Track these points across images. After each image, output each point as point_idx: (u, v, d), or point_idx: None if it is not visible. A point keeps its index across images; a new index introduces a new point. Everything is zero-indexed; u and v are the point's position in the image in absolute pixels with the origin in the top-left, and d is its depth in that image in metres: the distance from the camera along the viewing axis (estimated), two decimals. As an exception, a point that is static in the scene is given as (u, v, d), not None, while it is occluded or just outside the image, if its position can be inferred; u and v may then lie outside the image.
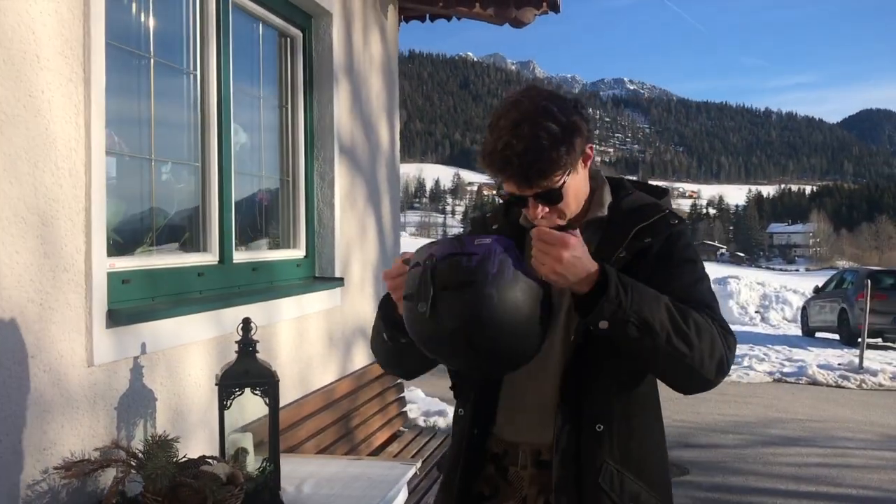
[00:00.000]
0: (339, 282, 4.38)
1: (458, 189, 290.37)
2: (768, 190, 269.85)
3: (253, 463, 2.51)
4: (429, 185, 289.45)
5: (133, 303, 2.69)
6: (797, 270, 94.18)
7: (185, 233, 3.30)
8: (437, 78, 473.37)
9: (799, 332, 18.17)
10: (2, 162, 2.05)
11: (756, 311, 20.62)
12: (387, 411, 4.83)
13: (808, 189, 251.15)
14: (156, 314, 2.69)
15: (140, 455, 2.24)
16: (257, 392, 2.52)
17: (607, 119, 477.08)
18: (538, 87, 1.61)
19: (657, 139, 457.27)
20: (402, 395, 5.22)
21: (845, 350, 14.27)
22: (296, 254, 4.19)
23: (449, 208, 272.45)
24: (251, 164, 3.92)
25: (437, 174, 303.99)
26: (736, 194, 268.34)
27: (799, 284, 24.84)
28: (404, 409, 5.23)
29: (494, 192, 1.84)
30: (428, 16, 6.30)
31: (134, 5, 2.94)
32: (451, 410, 4.60)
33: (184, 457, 2.35)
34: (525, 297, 1.44)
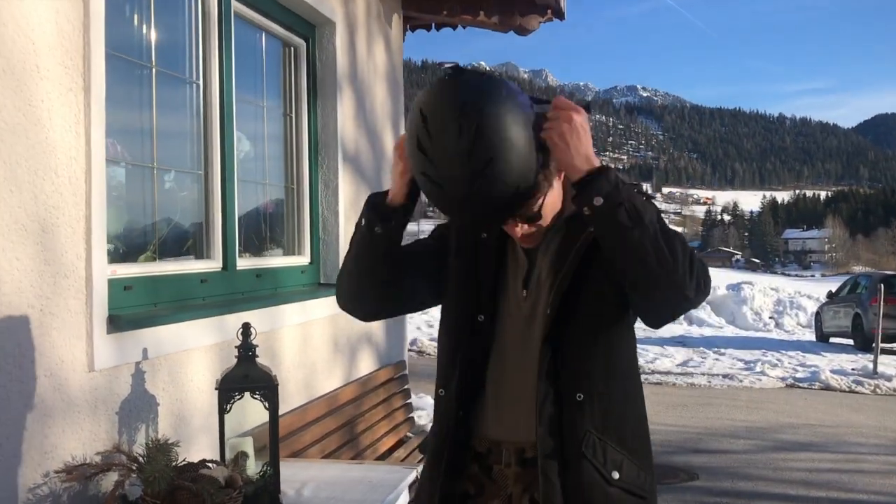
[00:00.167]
0: (344, 288, 4.39)
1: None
2: (783, 196, 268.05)
3: (253, 467, 2.53)
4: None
5: (135, 309, 2.72)
6: (812, 276, 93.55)
7: (188, 240, 3.33)
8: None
9: (813, 338, 18.03)
10: (2, 170, 2.09)
11: (770, 317, 20.44)
12: (393, 417, 4.84)
13: (823, 194, 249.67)
14: (157, 320, 2.72)
15: (140, 459, 2.27)
16: (257, 396, 2.54)
17: (620, 126, 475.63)
18: None
19: (671, 146, 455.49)
20: (408, 400, 5.23)
21: (860, 355, 14.16)
22: (300, 260, 4.23)
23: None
24: (256, 173, 3.96)
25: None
26: (751, 200, 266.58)
27: (814, 290, 24.65)
28: (411, 415, 5.24)
29: None
30: (433, 25, 6.32)
31: (136, 16, 2.98)
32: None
33: (183, 460, 2.37)
34: (526, 132, 1.46)
